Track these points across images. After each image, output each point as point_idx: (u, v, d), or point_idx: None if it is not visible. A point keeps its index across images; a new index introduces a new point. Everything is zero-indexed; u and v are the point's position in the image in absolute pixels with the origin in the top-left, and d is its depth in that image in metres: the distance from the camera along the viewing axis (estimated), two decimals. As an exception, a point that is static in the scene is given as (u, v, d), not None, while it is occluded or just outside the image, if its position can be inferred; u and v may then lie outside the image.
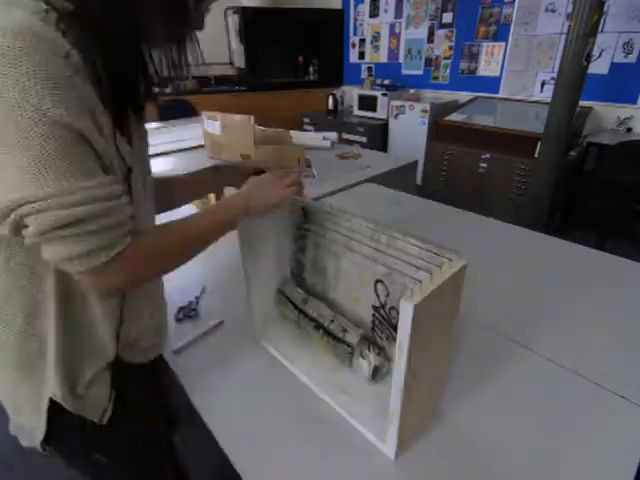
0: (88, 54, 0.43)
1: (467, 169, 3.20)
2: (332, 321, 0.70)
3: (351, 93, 4.23)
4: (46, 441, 0.58)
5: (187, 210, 0.71)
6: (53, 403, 0.56)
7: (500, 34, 3.34)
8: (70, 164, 0.42)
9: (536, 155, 2.64)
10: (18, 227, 0.42)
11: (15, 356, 0.54)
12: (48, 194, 0.40)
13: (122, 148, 0.50)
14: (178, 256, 0.56)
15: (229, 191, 0.73)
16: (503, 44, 3.35)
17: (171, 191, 0.76)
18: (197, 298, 0.94)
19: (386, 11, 4.05)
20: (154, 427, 0.74)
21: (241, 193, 0.65)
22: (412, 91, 3.79)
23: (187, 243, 0.57)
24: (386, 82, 4.08)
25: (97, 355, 0.58)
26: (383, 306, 0.63)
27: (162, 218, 0.64)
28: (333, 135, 2.30)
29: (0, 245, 0.48)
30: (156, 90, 0.56)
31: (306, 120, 4.36)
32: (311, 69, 4.52)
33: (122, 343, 0.60)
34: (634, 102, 2.84)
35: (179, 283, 0.95)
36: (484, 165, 3.10)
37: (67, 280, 0.51)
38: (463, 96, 3.70)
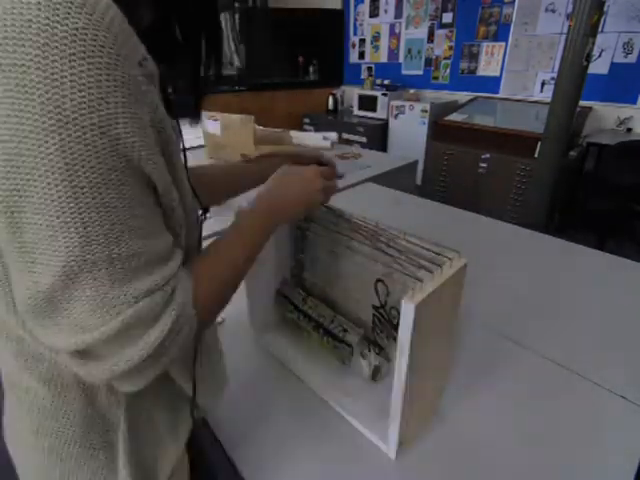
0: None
1: (467, 169, 3.20)
2: (332, 321, 0.70)
3: (351, 93, 4.24)
4: None
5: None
6: None
7: (500, 34, 3.34)
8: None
9: (536, 155, 2.64)
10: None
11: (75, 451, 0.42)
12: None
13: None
14: (229, 289, 0.45)
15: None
16: (503, 44, 3.35)
17: (236, 181, 0.70)
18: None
19: (386, 11, 4.05)
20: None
21: (263, 200, 0.53)
22: (412, 91, 3.79)
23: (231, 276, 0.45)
24: (386, 82, 4.08)
25: (176, 436, 0.50)
26: (383, 306, 0.63)
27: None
28: (333, 135, 2.30)
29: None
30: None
31: (306, 120, 4.36)
32: (311, 69, 4.51)
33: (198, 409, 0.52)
34: (634, 102, 2.84)
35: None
36: (484, 165, 3.10)
37: None
38: (463, 96, 3.70)
